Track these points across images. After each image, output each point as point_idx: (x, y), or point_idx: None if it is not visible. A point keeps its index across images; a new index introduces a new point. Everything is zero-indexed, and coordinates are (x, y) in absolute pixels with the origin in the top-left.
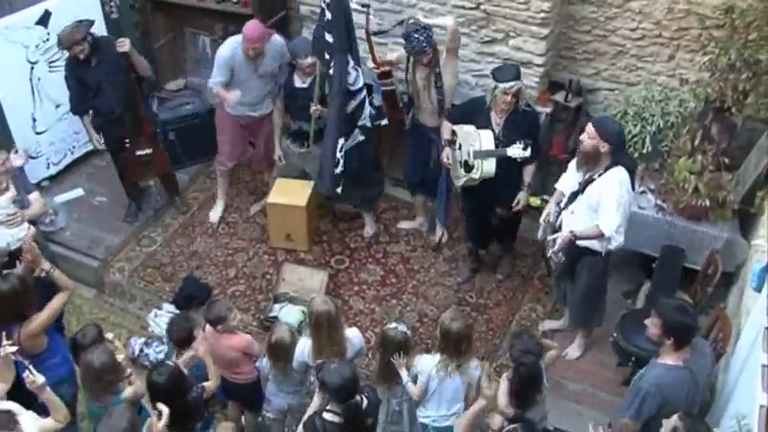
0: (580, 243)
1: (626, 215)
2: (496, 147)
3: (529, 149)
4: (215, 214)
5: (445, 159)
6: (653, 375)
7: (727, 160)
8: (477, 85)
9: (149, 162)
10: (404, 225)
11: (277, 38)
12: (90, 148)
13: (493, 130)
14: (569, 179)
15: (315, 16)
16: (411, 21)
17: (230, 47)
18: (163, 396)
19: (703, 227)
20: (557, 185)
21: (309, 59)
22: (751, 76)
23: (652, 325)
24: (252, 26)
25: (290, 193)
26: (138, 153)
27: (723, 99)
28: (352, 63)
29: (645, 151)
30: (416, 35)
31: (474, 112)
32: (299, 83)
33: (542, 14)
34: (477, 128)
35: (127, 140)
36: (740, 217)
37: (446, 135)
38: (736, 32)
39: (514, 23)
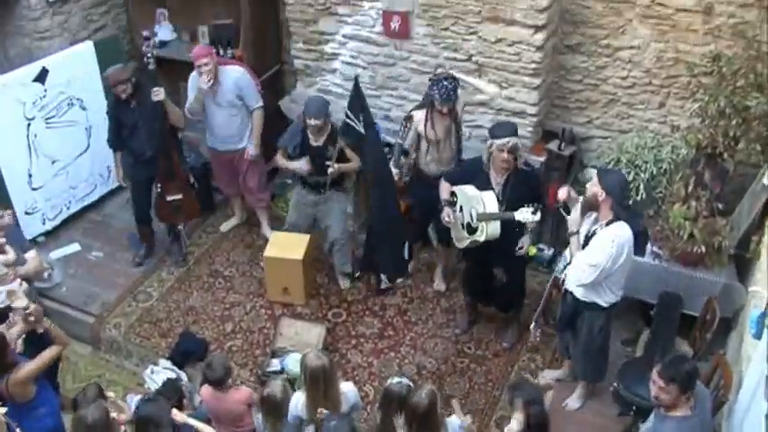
0: (581, 298)
1: (607, 271)
2: (502, 207)
3: (539, 214)
4: (226, 226)
5: (446, 219)
6: (669, 429)
7: (720, 206)
8: (471, 135)
9: (179, 208)
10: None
11: (235, 68)
12: (86, 203)
13: (493, 190)
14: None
15: (309, 70)
16: (440, 70)
17: (191, 77)
18: None
19: (700, 273)
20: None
21: (315, 121)
22: (741, 122)
23: (665, 392)
24: (197, 47)
25: (287, 247)
26: (169, 198)
27: (714, 145)
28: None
29: (639, 198)
30: (446, 82)
31: (473, 173)
32: (313, 141)
33: (534, 65)
34: (478, 189)
35: (159, 185)
36: (736, 262)
37: (444, 195)
38: (724, 80)
39: (506, 74)
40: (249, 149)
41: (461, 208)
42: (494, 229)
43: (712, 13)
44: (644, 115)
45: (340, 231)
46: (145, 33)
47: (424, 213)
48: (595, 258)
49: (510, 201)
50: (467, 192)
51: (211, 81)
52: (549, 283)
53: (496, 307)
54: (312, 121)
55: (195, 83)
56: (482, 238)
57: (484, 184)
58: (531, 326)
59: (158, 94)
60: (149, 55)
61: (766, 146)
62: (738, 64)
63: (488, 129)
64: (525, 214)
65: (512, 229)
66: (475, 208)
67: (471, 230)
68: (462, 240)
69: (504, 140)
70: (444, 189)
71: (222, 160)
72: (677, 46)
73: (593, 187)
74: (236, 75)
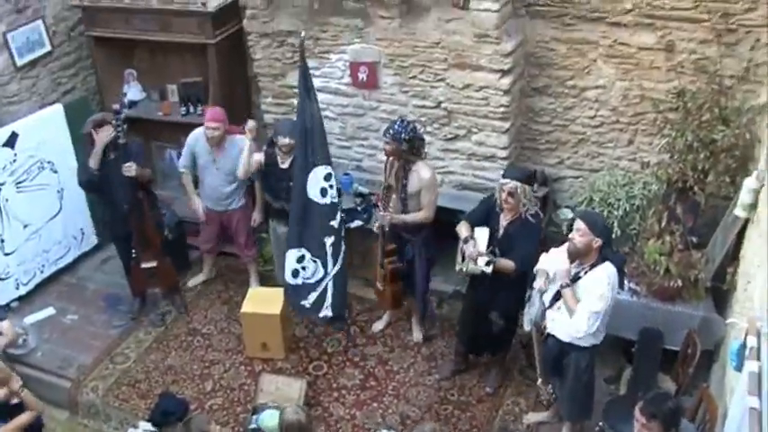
0: (565, 339)
1: (607, 312)
2: (493, 248)
3: (490, 267)
4: (194, 281)
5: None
6: None
7: (694, 239)
8: (443, 182)
9: (154, 275)
10: (378, 326)
11: (242, 137)
12: (60, 266)
13: (497, 231)
14: (552, 260)
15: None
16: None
17: (194, 133)
18: None
19: (678, 307)
20: (538, 267)
21: (286, 140)
22: (709, 156)
23: (647, 429)
24: (213, 109)
25: (264, 302)
26: (144, 266)
27: (685, 179)
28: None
29: (614, 236)
30: (396, 122)
31: (489, 212)
32: (281, 164)
33: (502, 109)
34: (488, 225)
35: (134, 250)
36: (713, 294)
37: (464, 233)
38: (690, 114)
39: (475, 119)
40: (255, 216)
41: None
42: (472, 267)
43: (674, 50)
44: (614, 153)
45: None
46: (114, 107)
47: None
48: (597, 305)
49: (505, 244)
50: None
51: (214, 142)
52: (534, 331)
53: (488, 352)
54: (285, 140)
55: (192, 147)
56: (465, 269)
57: (495, 223)
58: (539, 382)
59: (129, 169)
60: (119, 129)
61: (735, 178)
62: (702, 98)
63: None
64: (481, 261)
65: (511, 278)
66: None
67: (463, 258)
68: (456, 266)
69: (505, 181)
70: (463, 228)
71: (212, 217)
72: (642, 83)
73: (585, 237)
74: (241, 144)
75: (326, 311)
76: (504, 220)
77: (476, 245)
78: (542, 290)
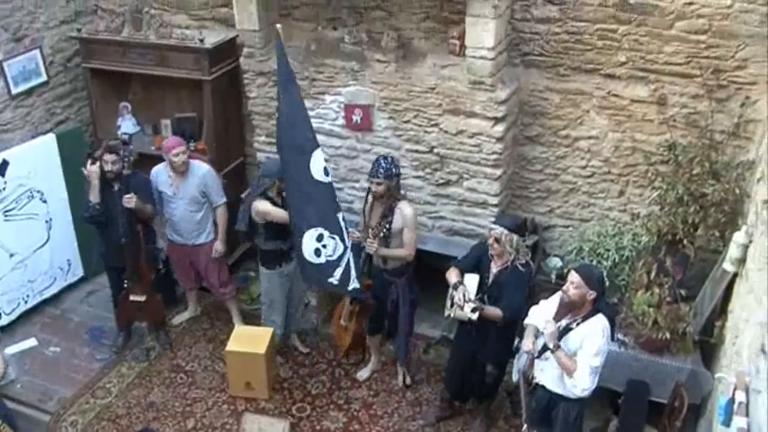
0: (554, 389)
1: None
2: (483, 294)
3: (476, 314)
4: (179, 318)
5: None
6: None
7: (683, 292)
8: (434, 227)
9: (141, 309)
10: (363, 374)
11: (201, 164)
12: (45, 296)
13: (488, 278)
14: (542, 313)
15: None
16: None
17: (154, 171)
18: None
19: (666, 359)
20: (527, 321)
21: (277, 182)
22: (698, 209)
23: None
24: (170, 138)
25: (249, 341)
26: (132, 298)
27: (674, 232)
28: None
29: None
30: (381, 159)
31: (480, 259)
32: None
33: (494, 156)
34: (480, 274)
35: (126, 281)
36: (701, 348)
37: (453, 279)
38: (681, 168)
39: (468, 165)
40: (217, 246)
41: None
42: (460, 312)
43: (666, 103)
44: (604, 204)
45: (299, 291)
46: (124, 137)
47: (378, 309)
48: (596, 361)
49: (496, 292)
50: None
51: (185, 168)
52: (521, 380)
53: (474, 399)
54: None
55: (158, 178)
56: (452, 314)
57: (485, 270)
58: (524, 428)
59: (130, 201)
60: (126, 160)
61: (724, 232)
62: (693, 152)
63: None
64: (467, 307)
65: (496, 324)
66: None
67: (452, 304)
68: (445, 311)
69: (493, 227)
70: (453, 274)
71: (180, 253)
72: (634, 135)
73: (579, 289)
74: (203, 171)
75: (354, 284)
76: (494, 268)
77: (465, 291)
78: (530, 352)
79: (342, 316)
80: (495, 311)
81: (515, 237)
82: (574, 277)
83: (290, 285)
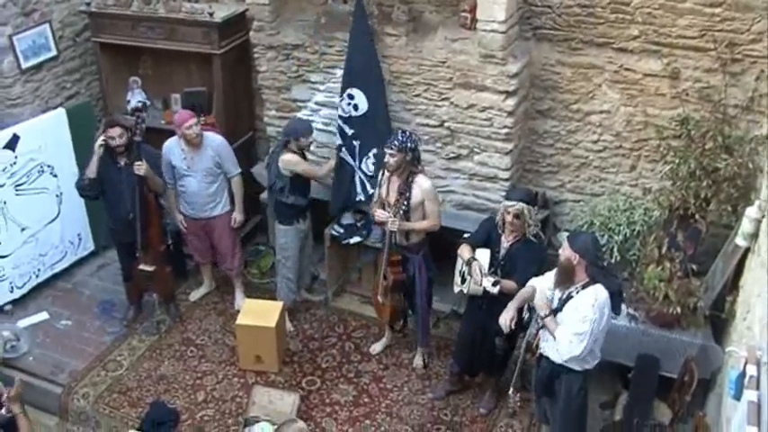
0: (556, 360)
1: (595, 335)
2: (495, 268)
3: (497, 288)
4: (195, 294)
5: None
6: None
7: (694, 267)
8: (444, 201)
9: (150, 279)
10: (377, 347)
11: (215, 135)
12: (56, 270)
13: (498, 252)
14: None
15: (281, 137)
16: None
17: (166, 145)
18: None
19: (676, 334)
20: (533, 282)
21: (310, 140)
22: (711, 184)
23: None
24: (180, 112)
25: (260, 315)
26: (141, 267)
27: (686, 206)
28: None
29: (613, 260)
30: (400, 133)
31: (489, 234)
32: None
33: (506, 130)
34: (490, 248)
35: (137, 251)
36: (712, 323)
37: (466, 255)
38: (693, 142)
39: (479, 139)
40: (236, 215)
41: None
42: (474, 287)
43: (679, 77)
44: (616, 178)
45: (311, 245)
46: (137, 104)
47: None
48: (579, 327)
49: (509, 266)
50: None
51: (200, 140)
52: (523, 348)
53: (485, 372)
54: (309, 140)
55: (167, 157)
56: (465, 290)
57: (496, 244)
58: (510, 392)
59: (140, 168)
60: (138, 129)
61: (737, 207)
62: (706, 127)
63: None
64: (486, 282)
65: (508, 298)
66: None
67: (463, 280)
68: (455, 287)
69: (511, 203)
70: (465, 250)
71: (195, 227)
72: (646, 110)
73: (565, 252)
74: (217, 141)
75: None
76: (506, 242)
77: (480, 266)
78: (542, 311)
79: (378, 293)
80: (510, 284)
81: (532, 209)
82: (564, 242)
83: (302, 244)
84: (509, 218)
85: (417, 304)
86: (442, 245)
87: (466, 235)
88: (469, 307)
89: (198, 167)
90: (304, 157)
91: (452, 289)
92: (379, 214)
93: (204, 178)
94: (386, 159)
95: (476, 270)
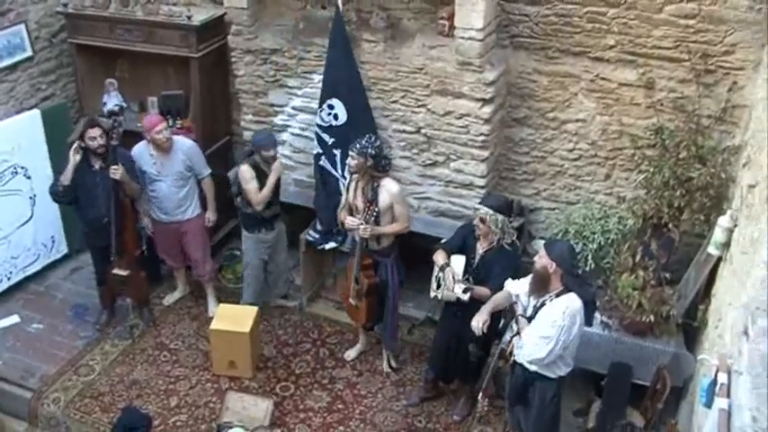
0: (530, 368)
1: (564, 343)
2: (469, 275)
3: (467, 295)
4: (170, 299)
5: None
6: None
7: (668, 275)
8: (420, 207)
9: (124, 283)
10: (351, 354)
11: (184, 138)
12: (28, 273)
13: (474, 258)
14: (518, 288)
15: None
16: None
17: (136, 149)
18: None
19: (649, 342)
20: (508, 286)
21: (272, 152)
22: (684, 193)
23: None
24: (150, 116)
25: (234, 320)
26: (115, 272)
27: (660, 215)
28: None
29: (587, 269)
30: (364, 138)
31: (466, 240)
32: (268, 172)
33: (482, 137)
34: (465, 253)
35: (111, 255)
36: (684, 331)
37: (440, 261)
38: (667, 152)
39: (455, 146)
40: (209, 215)
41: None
42: (447, 293)
43: (654, 87)
44: (590, 187)
45: (284, 259)
46: (115, 108)
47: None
48: (547, 331)
49: (483, 273)
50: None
51: (170, 144)
52: (496, 355)
53: (460, 379)
54: (271, 152)
55: (141, 156)
56: (440, 296)
57: (471, 250)
58: (479, 396)
59: (116, 172)
60: (115, 133)
61: (709, 216)
62: (680, 137)
63: None
64: (458, 288)
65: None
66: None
67: (438, 285)
68: (431, 292)
69: (478, 207)
70: (440, 256)
71: (167, 232)
72: (621, 119)
73: (542, 260)
74: (187, 145)
75: None
76: (480, 248)
77: (453, 272)
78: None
79: (350, 297)
80: (483, 291)
81: (500, 217)
82: (540, 249)
83: (269, 253)
84: (476, 221)
85: (386, 307)
86: (417, 251)
87: (443, 241)
88: (445, 314)
89: (168, 172)
90: (262, 171)
91: (427, 296)
92: (350, 222)
93: (175, 182)
94: (348, 161)
95: (448, 276)
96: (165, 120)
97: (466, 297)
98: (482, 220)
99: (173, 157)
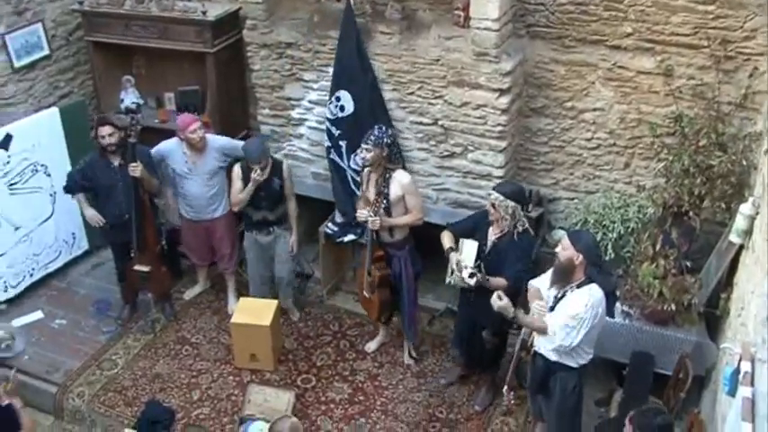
0: (551, 358)
1: (586, 332)
2: (479, 263)
3: (473, 280)
4: (190, 293)
5: (453, 262)
6: None
7: (689, 264)
8: (438, 199)
9: (146, 279)
10: (371, 346)
11: (216, 137)
12: (50, 270)
13: (485, 244)
14: (540, 283)
15: (275, 136)
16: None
17: (168, 145)
18: None
19: (671, 331)
20: (531, 282)
21: (258, 164)
22: (705, 181)
23: None
24: (183, 115)
25: (254, 313)
26: (137, 268)
27: (680, 204)
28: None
29: (607, 258)
30: (376, 129)
31: (477, 226)
32: (259, 177)
33: (499, 128)
34: (477, 238)
35: (132, 250)
36: (706, 319)
37: (447, 244)
38: (687, 139)
39: (472, 137)
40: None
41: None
42: (458, 279)
43: (672, 75)
44: (610, 176)
45: (287, 270)
46: (132, 106)
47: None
48: (570, 321)
49: (494, 259)
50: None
51: (204, 143)
52: (518, 346)
53: (478, 367)
54: (257, 164)
55: (171, 153)
56: (452, 281)
57: (483, 235)
58: (504, 389)
59: (135, 169)
60: (133, 130)
61: (730, 204)
62: (700, 124)
63: None
64: (465, 272)
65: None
66: (460, 254)
67: (452, 272)
68: (447, 277)
69: (490, 192)
70: (446, 238)
71: (196, 230)
72: (640, 107)
73: (566, 251)
74: (220, 142)
75: None
76: (492, 235)
77: (457, 258)
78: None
79: (364, 289)
80: (499, 281)
81: (511, 203)
82: (564, 241)
83: (270, 255)
84: (488, 206)
85: (403, 301)
86: (435, 242)
87: (452, 222)
88: (460, 300)
89: (200, 171)
90: (246, 177)
91: (447, 287)
92: (359, 214)
93: (206, 182)
94: (363, 155)
95: (452, 260)
96: (198, 119)
97: (472, 282)
98: (493, 206)
99: (206, 155)
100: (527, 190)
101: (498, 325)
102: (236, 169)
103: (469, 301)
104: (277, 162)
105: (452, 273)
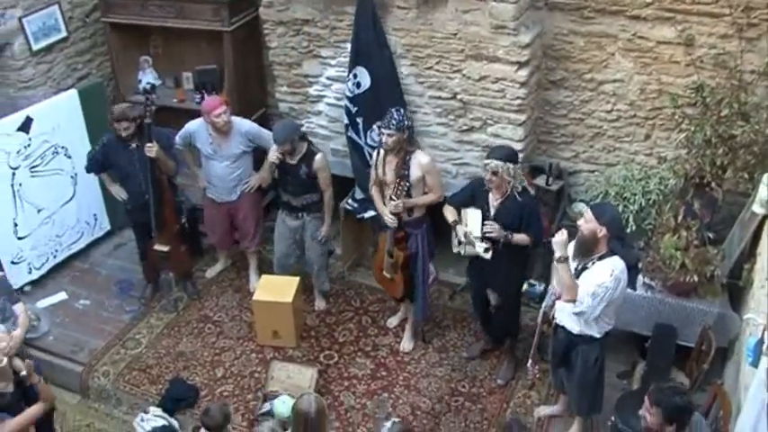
0: (573, 330)
1: (607, 304)
2: (496, 225)
3: (489, 253)
4: (211, 272)
5: (461, 237)
6: None
7: (711, 235)
8: (458, 173)
9: (166, 258)
10: (393, 321)
11: (243, 121)
12: (73, 251)
13: (488, 211)
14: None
15: (293, 113)
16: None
17: (195, 125)
18: None
19: (693, 303)
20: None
21: (279, 148)
22: (727, 151)
23: (650, 415)
24: (211, 98)
25: (276, 290)
26: (156, 248)
27: (702, 174)
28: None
29: (629, 230)
30: (395, 112)
31: (474, 194)
32: (289, 160)
33: (518, 101)
34: (477, 206)
35: (152, 231)
36: (729, 291)
37: (450, 218)
38: (709, 110)
39: (491, 111)
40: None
41: (467, 224)
42: (471, 249)
43: (693, 44)
44: (630, 147)
45: (317, 255)
46: (146, 86)
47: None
48: (597, 290)
49: (505, 222)
50: (468, 210)
51: (229, 127)
52: (540, 319)
53: (491, 337)
54: (279, 148)
55: (197, 134)
56: (462, 252)
57: (483, 202)
58: (528, 364)
59: (151, 150)
60: (149, 110)
61: (753, 174)
62: (722, 94)
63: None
64: (479, 248)
65: (509, 255)
66: (467, 225)
67: (460, 242)
68: (454, 247)
69: (487, 161)
70: (449, 212)
71: (221, 211)
72: (660, 78)
73: (590, 224)
74: (245, 127)
75: None
76: (494, 200)
77: (464, 229)
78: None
79: (384, 269)
80: (522, 237)
81: (511, 165)
82: (587, 214)
83: (296, 238)
84: (488, 175)
85: (418, 279)
86: None
87: (449, 195)
88: (470, 267)
89: (224, 153)
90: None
91: (467, 261)
92: (393, 206)
93: (231, 164)
94: (383, 140)
95: (459, 232)
96: (224, 102)
97: (488, 256)
98: (494, 173)
99: (230, 139)
100: (547, 163)
101: (506, 289)
102: (270, 155)
103: (481, 267)
104: (310, 152)
105: (460, 243)
